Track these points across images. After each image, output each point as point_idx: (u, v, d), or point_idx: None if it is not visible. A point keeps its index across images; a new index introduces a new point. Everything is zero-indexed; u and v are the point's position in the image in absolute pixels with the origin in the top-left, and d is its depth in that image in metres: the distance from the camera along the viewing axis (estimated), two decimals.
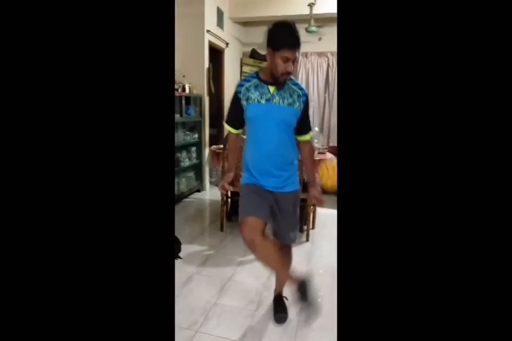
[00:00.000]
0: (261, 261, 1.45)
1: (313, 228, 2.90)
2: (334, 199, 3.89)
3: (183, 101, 3.47)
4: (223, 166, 2.70)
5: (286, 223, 1.54)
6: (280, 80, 1.36)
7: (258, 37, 5.17)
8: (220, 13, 4.14)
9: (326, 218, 3.24)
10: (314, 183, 1.58)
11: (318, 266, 2.29)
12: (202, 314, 1.70)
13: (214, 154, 2.96)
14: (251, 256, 2.30)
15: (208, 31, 3.78)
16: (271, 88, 1.39)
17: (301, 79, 5.01)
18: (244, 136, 1.56)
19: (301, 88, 1.44)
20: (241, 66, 5.07)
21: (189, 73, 3.61)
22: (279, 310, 1.68)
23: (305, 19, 4.24)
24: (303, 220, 2.87)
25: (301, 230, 2.88)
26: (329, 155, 3.09)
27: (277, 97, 1.39)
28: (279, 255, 1.40)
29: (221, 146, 2.83)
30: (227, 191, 1.49)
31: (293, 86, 1.42)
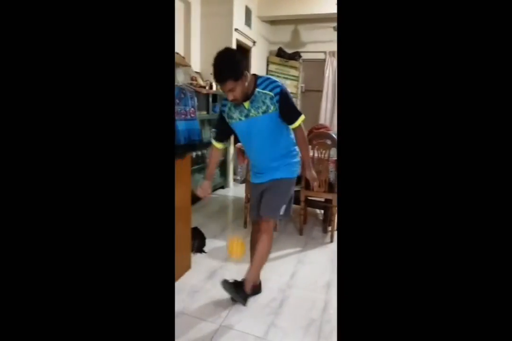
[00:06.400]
0: (266, 253, 1.73)
1: (337, 229, 2.86)
2: None
3: (210, 99, 3.51)
4: (248, 164, 2.72)
5: (268, 198, 1.69)
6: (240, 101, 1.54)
7: (285, 36, 5.16)
8: (248, 12, 4.16)
9: None
10: (307, 165, 1.70)
11: None
12: (226, 308, 1.72)
13: (240, 152, 2.97)
14: (274, 254, 2.31)
15: (236, 29, 3.81)
16: (246, 104, 1.54)
17: (327, 78, 4.95)
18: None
19: (271, 90, 1.51)
20: (268, 65, 5.07)
21: None
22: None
23: (333, 18, 4.19)
24: (327, 221, 2.84)
25: (325, 231, 2.85)
26: None
27: (252, 111, 1.54)
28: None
29: None
30: (206, 196, 1.74)
31: (262, 92, 1.52)
